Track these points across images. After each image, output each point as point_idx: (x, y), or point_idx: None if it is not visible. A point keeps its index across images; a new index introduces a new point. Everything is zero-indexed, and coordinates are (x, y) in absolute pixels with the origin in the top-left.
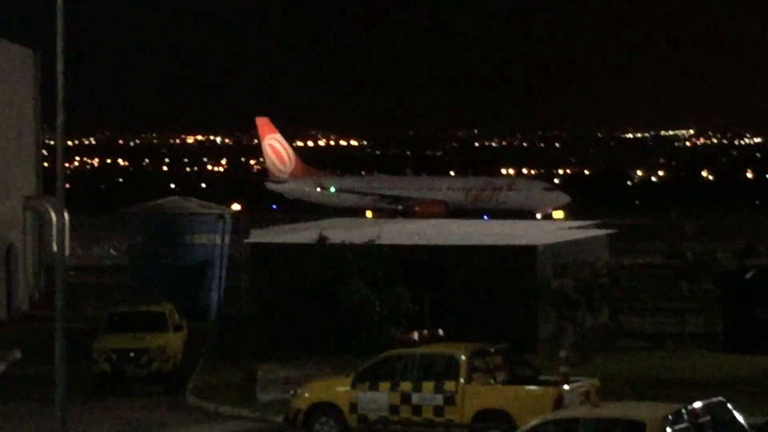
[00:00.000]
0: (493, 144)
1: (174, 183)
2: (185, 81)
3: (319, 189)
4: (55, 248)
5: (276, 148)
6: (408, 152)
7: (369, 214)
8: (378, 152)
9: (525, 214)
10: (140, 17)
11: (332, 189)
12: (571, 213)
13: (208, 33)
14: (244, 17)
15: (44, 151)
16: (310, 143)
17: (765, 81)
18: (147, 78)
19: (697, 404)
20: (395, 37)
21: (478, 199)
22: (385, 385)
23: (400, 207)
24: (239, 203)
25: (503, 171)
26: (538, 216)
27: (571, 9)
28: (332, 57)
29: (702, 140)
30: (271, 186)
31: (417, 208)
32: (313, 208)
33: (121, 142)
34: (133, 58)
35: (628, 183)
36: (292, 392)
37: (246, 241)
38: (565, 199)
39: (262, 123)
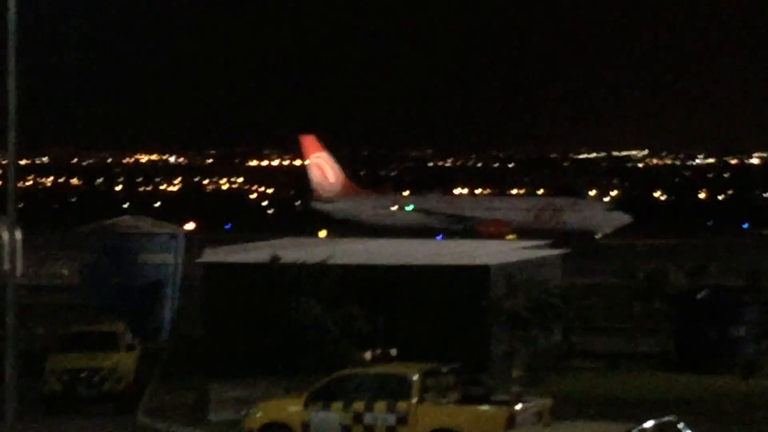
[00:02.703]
0: (448, 164)
1: (127, 202)
2: (139, 100)
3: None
4: (6, 267)
5: (322, 167)
6: (362, 172)
7: (322, 233)
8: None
9: (586, 234)
10: (93, 35)
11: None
12: (524, 234)
13: (162, 53)
14: (197, 39)
15: None
16: (264, 162)
17: (718, 102)
18: (100, 97)
19: (649, 424)
20: (349, 56)
21: (539, 219)
22: (337, 405)
23: (462, 227)
24: (193, 222)
25: (456, 191)
26: (597, 237)
27: (525, 31)
28: (286, 75)
29: (655, 161)
30: (317, 206)
31: (482, 229)
32: (362, 228)
33: (74, 161)
34: (86, 77)
35: None
36: (244, 412)
37: (199, 260)
38: (626, 219)
39: (308, 141)
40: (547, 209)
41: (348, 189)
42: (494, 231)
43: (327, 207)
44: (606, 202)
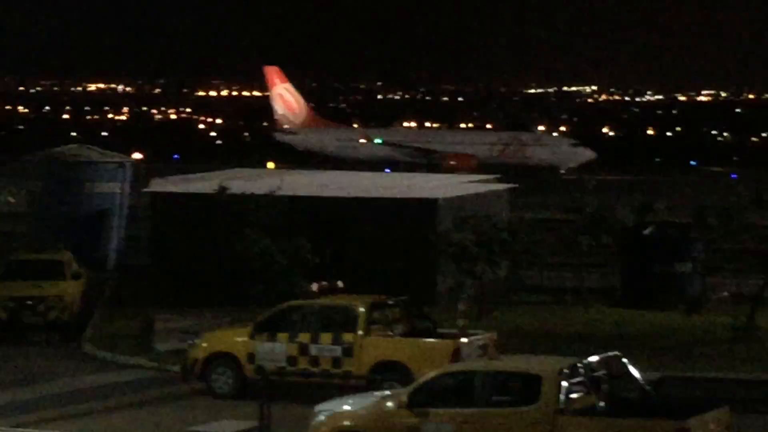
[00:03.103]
0: (396, 97)
1: (74, 131)
2: (88, 28)
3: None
4: None
5: (286, 98)
6: (311, 104)
7: (270, 165)
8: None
9: (550, 169)
10: None
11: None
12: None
13: None
14: None
15: None
16: (213, 93)
17: (666, 38)
18: (49, 25)
19: (593, 358)
20: None
21: (503, 154)
22: (283, 336)
23: (427, 161)
24: (140, 152)
25: (405, 124)
26: (562, 172)
27: None
28: (235, 4)
29: (604, 96)
30: (280, 137)
31: (448, 162)
32: (325, 160)
33: (21, 88)
34: (34, 3)
35: None
36: (189, 342)
37: (145, 190)
38: (590, 154)
39: (271, 72)
40: (512, 144)
41: (312, 121)
42: (459, 164)
43: (290, 138)
44: (570, 139)
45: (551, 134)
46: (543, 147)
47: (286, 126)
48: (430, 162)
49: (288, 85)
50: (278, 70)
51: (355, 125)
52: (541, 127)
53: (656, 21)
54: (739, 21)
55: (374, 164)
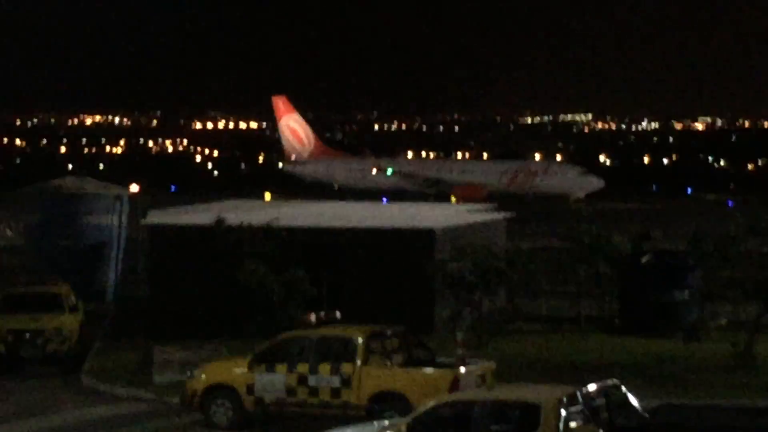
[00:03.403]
0: (393, 127)
1: (71, 163)
2: (85, 60)
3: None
4: None
5: (294, 128)
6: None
7: (267, 196)
8: (277, 135)
9: (560, 198)
10: None
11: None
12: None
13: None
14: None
15: None
16: (209, 125)
17: (662, 66)
18: (45, 57)
19: (592, 387)
20: (292, 16)
21: (513, 183)
22: (281, 367)
23: (435, 191)
24: (137, 184)
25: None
26: (571, 200)
27: None
28: (231, 37)
29: (600, 125)
30: (287, 168)
31: (457, 192)
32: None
33: (18, 122)
34: (31, 37)
35: None
36: (188, 374)
37: (143, 222)
38: (599, 183)
39: (279, 102)
40: (521, 173)
41: (321, 151)
42: (469, 195)
43: (299, 169)
44: (579, 167)
45: (554, 163)
46: (552, 176)
47: (294, 157)
48: (439, 192)
49: (296, 116)
50: (286, 101)
51: (366, 155)
52: (537, 156)
53: (652, 49)
54: (735, 49)
55: (385, 194)
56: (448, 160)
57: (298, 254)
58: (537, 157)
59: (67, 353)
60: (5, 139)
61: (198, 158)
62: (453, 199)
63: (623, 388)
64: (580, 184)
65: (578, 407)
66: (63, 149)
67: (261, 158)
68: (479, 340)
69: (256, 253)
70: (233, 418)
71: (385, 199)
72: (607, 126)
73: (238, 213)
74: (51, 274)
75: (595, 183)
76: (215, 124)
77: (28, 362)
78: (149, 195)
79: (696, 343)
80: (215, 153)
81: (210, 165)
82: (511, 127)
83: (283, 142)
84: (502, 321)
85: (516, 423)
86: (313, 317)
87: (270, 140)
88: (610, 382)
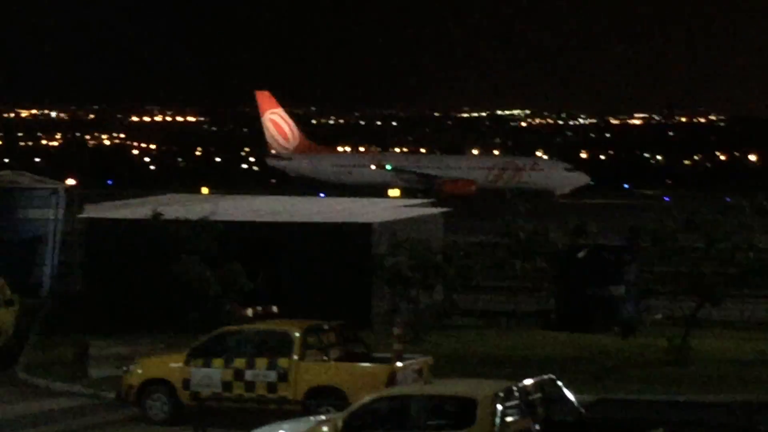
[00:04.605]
0: (330, 121)
1: (6, 158)
2: (21, 53)
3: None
4: None
5: (278, 123)
6: (245, 129)
7: (205, 190)
8: (215, 129)
9: (545, 193)
10: None
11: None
12: (408, 192)
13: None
14: None
15: None
16: (147, 118)
17: (598, 62)
18: None
19: (528, 381)
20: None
21: (499, 179)
22: (218, 362)
23: (425, 186)
24: (74, 178)
25: (340, 149)
26: (556, 195)
27: None
28: (170, 31)
29: (537, 120)
30: (271, 162)
31: (447, 187)
32: (318, 185)
33: None
34: None
35: None
36: (124, 368)
37: (80, 216)
38: (585, 179)
39: (263, 97)
40: (507, 168)
41: (305, 146)
42: (459, 190)
43: (283, 164)
44: (565, 163)
45: (541, 159)
46: (538, 172)
47: (273, 151)
48: (428, 187)
49: (280, 111)
50: (269, 96)
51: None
52: (474, 150)
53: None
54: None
55: (373, 189)
56: (436, 156)
57: (236, 248)
58: (474, 152)
59: (2, 347)
60: None
61: (135, 152)
62: (392, 193)
63: (559, 383)
64: (565, 180)
65: (514, 402)
66: None
67: (198, 152)
68: (416, 335)
69: (193, 248)
70: (170, 412)
71: (322, 194)
72: (544, 121)
73: (176, 207)
74: None
75: (581, 179)
76: (152, 118)
77: None
78: (86, 189)
79: (632, 337)
80: (152, 147)
81: (147, 159)
82: (449, 121)
83: (266, 136)
84: (439, 316)
85: (452, 417)
86: (250, 312)
87: (206, 134)
88: (546, 376)
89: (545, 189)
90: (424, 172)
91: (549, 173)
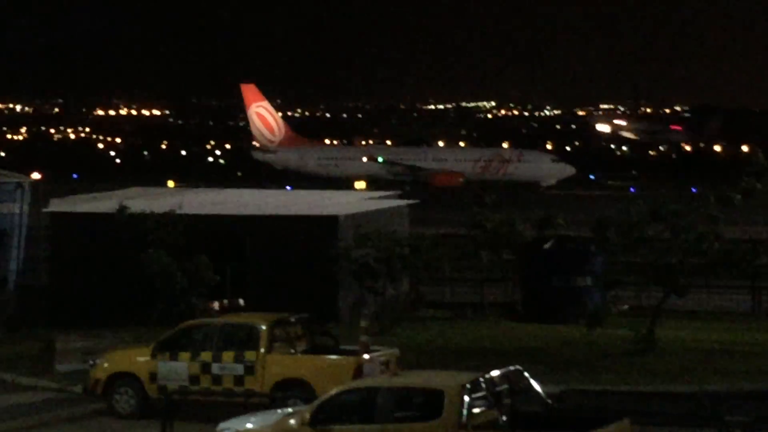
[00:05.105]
0: (296, 114)
1: None
2: None
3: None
4: None
5: (263, 116)
6: (210, 122)
7: (171, 183)
8: (180, 122)
9: (532, 185)
10: None
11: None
12: (374, 184)
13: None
14: None
15: None
16: (112, 112)
17: (563, 54)
18: None
19: (495, 373)
20: (198, 4)
21: (486, 171)
22: (185, 355)
23: (411, 178)
24: (38, 172)
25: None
26: (544, 184)
27: None
28: (134, 25)
29: (503, 112)
30: (257, 155)
31: (436, 179)
32: (303, 178)
33: None
34: None
35: None
36: (91, 362)
37: (45, 210)
38: (570, 170)
39: (248, 90)
40: (494, 160)
41: (291, 139)
42: (447, 181)
43: (269, 157)
44: (551, 155)
45: (527, 151)
46: (525, 163)
47: (256, 144)
48: (416, 179)
49: (265, 104)
50: (255, 89)
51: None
52: (440, 143)
53: (554, 37)
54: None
55: (357, 181)
56: (424, 148)
57: (202, 242)
58: (441, 143)
59: None
60: None
61: (101, 146)
62: (357, 185)
63: (526, 374)
64: (551, 172)
65: (481, 393)
66: None
67: (164, 145)
68: (383, 327)
69: (158, 241)
70: (137, 406)
71: (289, 187)
72: (510, 113)
73: (142, 201)
74: None
75: (567, 170)
76: (117, 111)
77: None
78: (51, 183)
79: (598, 328)
80: (118, 140)
81: (113, 153)
82: (414, 114)
83: (252, 129)
84: (406, 308)
85: (419, 409)
86: (216, 305)
87: (171, 127)
88: (513, 368)
89: (532, 180)
90: (413, 164)
91: (535, 165)
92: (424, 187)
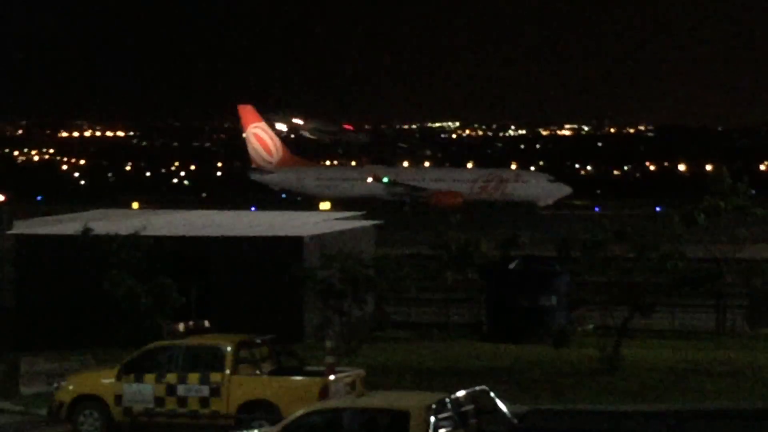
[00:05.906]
0: None
1: None
2: None
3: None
4: None
5: (261, 137)
6: (175, 143)
7: (135, 205)
8: (144, 143)
9: (529, 204)
10: None
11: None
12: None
13: None
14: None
15: None
16: (76, 133)
17: (528, 74)
18: None
19: (461, 393)
20: (160, 26)
21: (485, 191)
22: (150, 377)
23: (409, 199)
24: (2, 194)
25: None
26: (541, 204)
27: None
28: (99, 47)
29: (468, 132)
30: (255, 176)
31: (436, 199)
32: (304, 199)
33: None
34: None
35: None
36: (55, 385)
37: (9, 232)
38: (567, 190)
39: (246, 111)
40: (492, 180)
41: (289, 160)
42: (447, 202)
43: (266, 178)
44: (548, 175)
45: (524, 171)
46: (522, 183)
47: (262, 165)
48: (415, 200)
49: (263, 124)
50: (252, 110)
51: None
52: (405, 163)
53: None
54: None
55: (355, 202)
56: (421, 168)
57: (167, 263)
58: (405, 164)
59: None
60: None
61: (65, 167)
62: (322, 206)
63: (492, 394)
64: (548, 192)
65: (447, 413)
66: None
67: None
68: (348, 348)
69: (123, 263)
70: (102, 428)
71: (253, 207)
72: (474, 133)
73: (106, 222)
74: None
75: (564, 190)
76: (81, 133)
77: None
78: (15, 205)
79: (564, 348)
80: (82, 162)
81: (77, 174)
82: (378, 134)
83: (250, 150)
84: (371, 328)
85: (385, 430)
86: (181, 326)
87: (136, 148)
88: (478, 388)
89: (529, 200)
90: (416, 185)
91: (533, 185)
92: (423, 207)
